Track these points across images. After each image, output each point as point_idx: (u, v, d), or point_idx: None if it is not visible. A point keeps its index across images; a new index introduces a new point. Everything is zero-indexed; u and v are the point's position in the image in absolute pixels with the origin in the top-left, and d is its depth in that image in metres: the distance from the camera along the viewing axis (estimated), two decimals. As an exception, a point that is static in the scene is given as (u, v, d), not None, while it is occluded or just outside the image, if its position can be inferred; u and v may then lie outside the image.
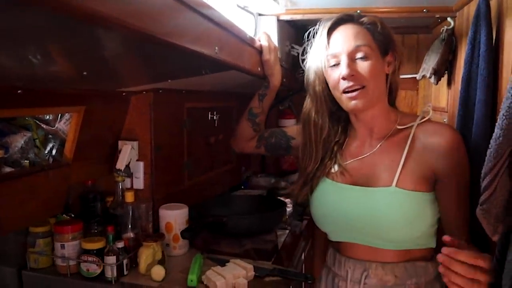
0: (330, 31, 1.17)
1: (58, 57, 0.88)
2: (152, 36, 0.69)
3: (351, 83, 1.12)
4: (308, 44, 1.26)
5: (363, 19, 1.17)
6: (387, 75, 1.19)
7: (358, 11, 1.68)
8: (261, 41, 1.49)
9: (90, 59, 0.93)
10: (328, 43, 1.16)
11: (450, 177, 1.11)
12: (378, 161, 1.18)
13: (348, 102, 1.15)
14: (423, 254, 1.17)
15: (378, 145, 1.20)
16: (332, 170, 1.24)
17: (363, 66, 1.13)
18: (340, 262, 1.23)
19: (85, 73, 0.96)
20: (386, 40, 1.18)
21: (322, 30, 1.18)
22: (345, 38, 1.15)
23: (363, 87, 1.13)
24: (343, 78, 1.12)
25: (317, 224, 1.29)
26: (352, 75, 1.11)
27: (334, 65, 1.16)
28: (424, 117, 1.18)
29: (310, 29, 1.25)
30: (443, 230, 1.18)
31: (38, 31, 0.65)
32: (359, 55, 1.13)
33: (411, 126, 1.17)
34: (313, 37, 1.23)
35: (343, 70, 1.12)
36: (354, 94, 1.13)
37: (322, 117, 1.24)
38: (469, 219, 1.15)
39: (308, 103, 1.27)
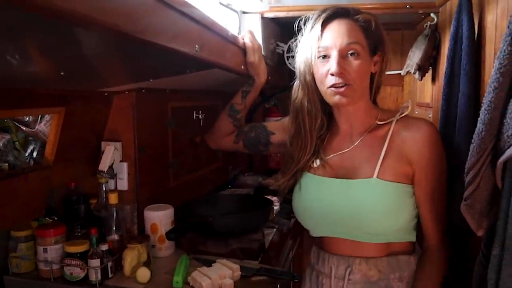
0: (324, 23, 1.16)
1: (34, 56, 0.86)
2: (126, 34, 0.68)
3: (339, 80, 1.12)
4: (299, 34, 1.25)
5: (358, 16, 1.16)
6: (372, 74, 1.20)
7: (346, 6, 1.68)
8: (245, 40, 1.48)
9: (67, 58, 0.91)
10: (321, 35, 1.16)
11: (423, 171, 1.14)
12: (359, 155, 1.19)
13: (332, 96, 1.15)
14: (404, 247, 1.19)
15: (359, 140, 1.21)
16: (314, 165, 1.25)
17: (352, 64, 1.13)
18: (324, 259, 1.25)
19: (62, 73, 0.94)
20: (377, 40, 1.18)
21: (316, 21, 1.17)
22: (338, 33, 1.14)
23: (349, 84, 1.13)
24: (332, 74, 1.12)
25: (299, 220, 1.30)
26: (341, 72, 1.12)
27: (323, 58, 1.15)
28: (404, 113, 1.20)
29: (302, 17, 1.24)
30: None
31: (12, 30, 0.63)
32: (350, 52, 1.13)
33: (391, 122, 1.19)
34: (304, 24, 1.22)
35: (332, 66, 1.12)
36: (340, 90, 1.13)
37: (315, 106, 1.24)
38: (445, 215, 1.18)
39: (299, 92, 1.26)
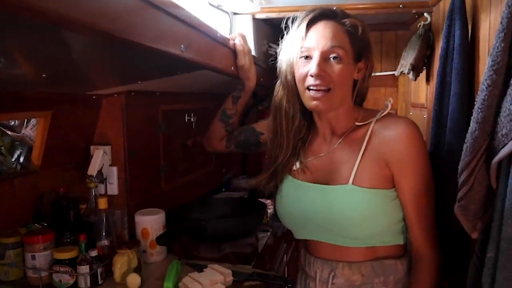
0: (310, 23, 1.14)
1: (18, 58, 0.84)
2: (107, 34, 0.66)
3: (317, 82, 1.10)
4: (286, 32, 1.23)
5: (346, 20, 1.14)
6: (355, 80, 1.18)
7: (334, 8, 1.66)
8: (236, 42, 1.46)
9: (51, 61, 0.89)
10: (306, 35, 1.14)
11: (401, 171, 1.10)
12: (336, 159, 1.17)
13: (310, 101, 1.14)
14: (391, 251, 1.16)
15: (337, 143, 1.19)
16: (294, 167, 1.24)
17: (334, 68, 1.11)
18: (310, 262, 1.24)
19: (44, 75, 0.92)
20: (363, 46, 1.16)
21: (302, 20, 1.15)
22: (323, 35, 1.12)
23: (329, 89, 1.11)
24: (311, 75, 1.11)
25: (283, 222, 1.30)
26: (320, 75, 1.10)
27: (305, 58, 1.13)
28: (384, 112, 1.16)
29: (291, 16, 1.22)
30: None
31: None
32: (332, 56, 1.11)
33: (370, 122, 1.16)
34: (292, 23, 1.20)
35: (312, 67, 1.10)
36: (318, 95, 1.11)
37: (294, 107, 1.22)
38: (433, 220, 1.14)
39: (279, 91, 1.25)
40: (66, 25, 0.59)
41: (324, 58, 1.10)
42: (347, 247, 1.15)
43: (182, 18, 0.94)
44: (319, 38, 1.12)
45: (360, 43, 1.15)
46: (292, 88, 1.19)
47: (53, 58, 0.87)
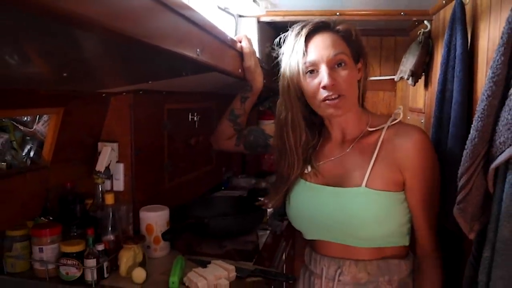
0: (307, 38, 1.17)
1: (35, 57, 0.86)
2: (133, 38, 0.69)
3: (331, 92, 1.12)
4: (281, 48, 1.25)
5: (338, 27, 1.17)
6: (358, 81, 1.21)
7: (338, 14, 1.70)
8: (243, 45, 1.49)
9: (69, 60, 0.91)
10: (306, 50, 1.16)
11: (415, 178, 1.13)
12: (349, 162, 1.20)
13: (327, 109, 1.15)
14: (396, 252, 1.20)
15: (350, 147, 1.22)
16: (306, 171, 1.26)
17: (342, 74, 1.13)
18: (316, 260, 1.26)
19: (65, 74, 0.95)
20: (358, 47, 1.20)
21: (298, 37, 1.17)
22: (323, 46, 1.15)
23: (342, 95, 1.14)
24: (323, 87, 1.12)
25: (293, 224, 1.31)
26: (333, 84, 1.12)
27: (311, 73, 1.15)
28: (396, 119, 1.20)
29: (281, 36, 1.24)
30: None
31: (15, 31, 0.63)
32: (338, 63, 1.14)
33: (382, 128, 1.19)
34: (284, 42, 1.22)
35: (324, 79, 1.12)
36: (334, 102, 1.13)
37: (299, 123, 1.24)
38: (436, 221, 1.18)
39: (282, 108, 1.26)
40: (98, 31, 0.62)
41: (330, 67, 1.13)
42: (355, 247, 1.18)
43: (198, 22, 0.97)
44: (320, 49, 1.14)
45: (356, 45, 1.19)
46: (297, 104, 1.21)
47: (72, 59, 0.89)
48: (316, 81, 1.14)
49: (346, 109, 1.16)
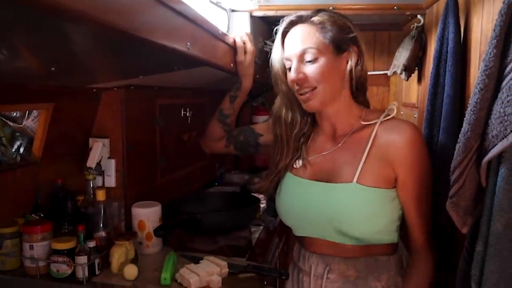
0: (284, 34, 1.19)
1: (23, 51, 0.85)
2: (121, 31, 0.68)
3: (298, 87, 1.16)
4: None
5: (312, 18, 1.17)
6: (350, 71, 1.18)
7: (331, 8, 1.69)
8: (236, 39, 1.48)
9: (58, 54, 0.90)
10: (283, 46, 1.19)
11: (406, 174, 1.13)
12: (340, 157, 1.19)
13: (303, 103, 1.19)
14: (385, 249, 1.19)
15: (342, 142, 1.21)
16: (295, 165, 1.26)
17: (311, 68, 1.14)
18: (305, 257, 1.26)
19: (53, 68, 0.94)
20: (340, 36, 1.16)
21: (278, 33, 1.21)
22: (294, 41, 1.17)
23: (314, 88, 1.15)
24: (291, 82, 1.16)
25: (282, 219, 1.31)
26: (300, 78, 1.14)
27: (289, 68, 1.18)
28: (389, 115, 1.19)
29: (274, 30, 1.26)
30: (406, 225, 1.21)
31: (1, 24, 0.62)
32: (307, 57, 1.14)
33: (375, 123, 1.18)
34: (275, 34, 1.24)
35: (291, 75, 1.16)
36: (306, 96, 1.16)
37: (293, 113, 1.26)
38: (430, 216, 1.18)
39: (278, 100, 1.30)
40: (86, 23, 0.61)
41: (301, 61, 1.15)
42: (344, 244, 1.17)
43: (188, 15, 0.96)
44: (291, 45, 1.17)
45: (334, 34, 1.15)
46: (288, 96, 1.24)
47: (62, 53, 0.88)
48: (290, 77, 1.18)
49: (321, 102, 1.17)
